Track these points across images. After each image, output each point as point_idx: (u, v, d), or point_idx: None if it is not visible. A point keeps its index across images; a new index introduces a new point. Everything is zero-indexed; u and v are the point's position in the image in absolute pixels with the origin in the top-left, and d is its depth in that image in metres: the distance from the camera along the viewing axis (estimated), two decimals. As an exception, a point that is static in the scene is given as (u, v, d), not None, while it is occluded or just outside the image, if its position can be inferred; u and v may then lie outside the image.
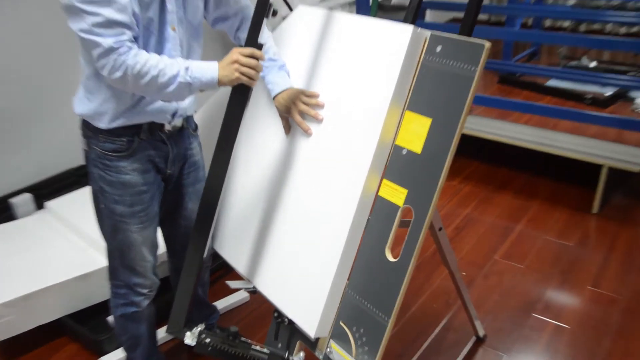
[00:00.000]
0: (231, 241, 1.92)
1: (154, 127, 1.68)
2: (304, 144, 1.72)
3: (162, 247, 1.97)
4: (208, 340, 1.66)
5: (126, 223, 1.70)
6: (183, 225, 1.92)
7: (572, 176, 3.60)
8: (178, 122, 1.74)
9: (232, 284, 1.83)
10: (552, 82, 4.63)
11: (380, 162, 1.52)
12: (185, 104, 1.73)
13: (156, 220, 1.79)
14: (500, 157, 3.89)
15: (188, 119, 1.81)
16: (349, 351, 1.53)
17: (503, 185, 3.57)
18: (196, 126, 1.88)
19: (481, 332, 2.30)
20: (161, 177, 1.77)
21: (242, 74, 1.55)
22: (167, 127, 1.71)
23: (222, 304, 2.49)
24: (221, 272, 2.67)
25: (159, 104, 1.64)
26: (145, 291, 1.83)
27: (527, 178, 3.63)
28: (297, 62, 1.79)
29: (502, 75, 4.81)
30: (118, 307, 1.85)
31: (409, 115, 1.49)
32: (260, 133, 1.89)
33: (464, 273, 2.72)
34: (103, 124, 1.60)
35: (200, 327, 1.68)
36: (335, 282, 1.55)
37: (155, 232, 1.79)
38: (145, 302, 1.85)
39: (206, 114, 2.24)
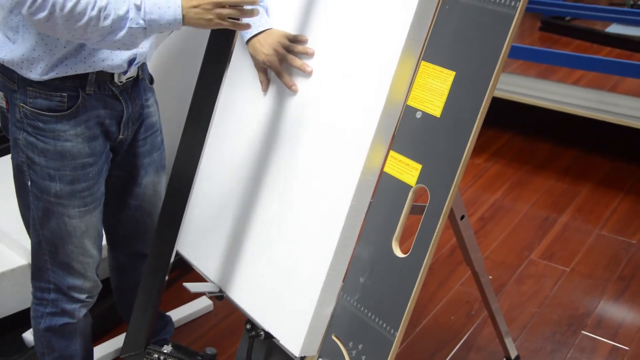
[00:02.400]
0: (195, 236, 1.93)
1: (103, 78, 1.67)
2: (288, 107, 1.73)
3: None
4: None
5: (63, 206, 1.70)
6: (133, 207, 1.93)
7: (637, 153, 3.64)
8: (134, 71, 1.73)
9: (193, 287, 1.84)
10: (614, 28, 4.63)
11: (388, 128, 1.54)
12: (146, 48, 1.72)
13: (102, 203, 1.79)
14: (541, 128, 3.92)
15: (143, 66, 1.80)
16: (344, 373, 1.55)
17: (543, 164, 3.61)
18: (152, 77, 1.88)
19: (513, 353, 2.33)
20: (110, 145, 1.77)
21: (221, 15, 1.50)
22: (120, 77, 1.69)
23: (178, 313, 2.51)
24: (177, 272, 2.69)
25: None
26: (83, 297, 1.83)
27: (575, 155, 3.67)
28: (282, 4, 1.79)
29: (545, 19, 4.82)
30: (43, 318, 1.86)
31: (426, 68, 1.51)
32: (234, 95, 1.90)
33: (491, 276, 2.75)
34: (35, 74, 1.58)
35: (167, 349, 1.68)
36: (326, 286, 1.58)
37: (100, 217, 1.80)
38: (82, 312, 1.86)
39: (157, 59, 2.23)
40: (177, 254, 1.96)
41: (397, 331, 1.47)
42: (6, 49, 1.58)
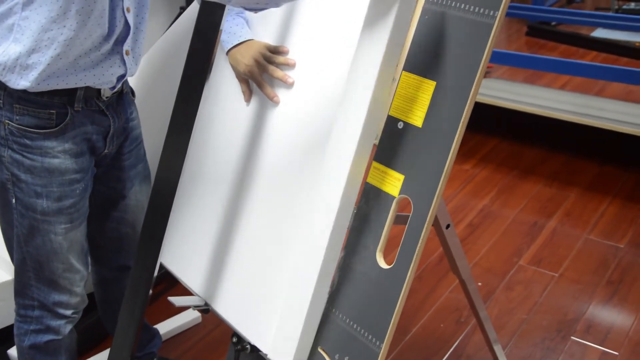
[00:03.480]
0: (179, 249, 1.93)
1: (90, 94, 1.66)
2: (270, 119, 1.73)
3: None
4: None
5: (49, 223, 1.69)
6: (115, 219, 1.92)
7: (624, 157, 3.65)
8: (119, 86, 1.73)
9: (178, 300, 1.84)
10: (600, 32, 4.66)
11: (369, 139, 1.53)
12: (133, 63, 1.72)
13: (86, 218, 1.79)
14: (528, 133, 3.93)
15: (126, 80, 1.80)
16: (330, 386, 1.55)
17: (531, 169, 3.62)
18: (132, 90, 1.88)
19: (503, 360, 2.34)
20: (94, 159, 1.76)
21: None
22: (106, 93, 1.69)
23: (165, 326, 2.50)
24: (164, 285, 2.68)
25: (108, 59, 1.62)
26: (69, 313, 1.82)
27: (563, 159, 3.68)
28: (263, 16, 1.79)
29: (531, 25, 4.85)
30: (27, 335, 1.84)
31: (407, 78, 1.51)
32: (216, 106, 1.89)
33: (479, 283, 2.76)
34: (27, 81, 1.55)
35: None
36: (314, 299, 1.57)
37: (85, 232, 1.79)
38: (67, 328, 1.85)
39: (139, 75, 2.23)
40: (162, 267, 1.95)
41: (383, 343, 1.47)
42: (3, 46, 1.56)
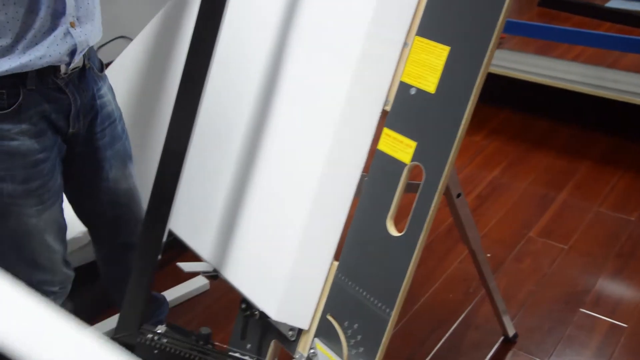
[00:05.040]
0: (188, 214, 1.92)
1: (46, 72, 1.58)
2: (281, 81, 1.71)
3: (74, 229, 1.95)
4: (166, 346, 1.65)
5: (19, 205, 1.65)
6: (106, 202, 1.90)
7: (636, 129, 3.63)
8: (79, 60, 1.65)
9: (187, 266, 1.83)
10: (614, 3, 4.61)
11: (377, 103, 1.53)
12: (87, 33, 1.63)
13: (60, 196, 1.75)
14: (539, 104, 3.91)
15: (90, 54, 1.72)
16: (339, 352, 1.55)
17: (542, 141, 3.60)
18: (102, 64, 1.81)
19: (511, 331, 2.34)
20: (61, 138, 1.71)
21: None
22: (64, 69, 1.61)
23: (173, 293, 2.51)
24: (172, 252, 2.68)
25: (48, 36, 1.54)
26: (55, 289, 1.82)
27: (574, 132, 3.67)
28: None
29: (544, -5, 4.80)
30: None
31: (420, 43, 1.49)
32: (226, 66, 1.88)
33: (489, 255, 2.75)
34: None
35: (161, 328, 1.67)
36: (323, 264, 1.58)
37: (60, 211, 1.76)
38: (58, 302, 1.85)
39: (123, 60, 2.21)
40: (171, 233, 1.96)
41: (393, 310, 1.46)
42: None
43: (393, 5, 1.50)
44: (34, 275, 1.76)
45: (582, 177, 3.27)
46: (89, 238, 2.10)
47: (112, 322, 2.35)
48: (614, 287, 2.60)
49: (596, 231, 2.90)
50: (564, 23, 4.44)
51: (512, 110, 3.86)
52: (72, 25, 1.58)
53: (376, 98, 1.54)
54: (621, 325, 2.41)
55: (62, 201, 1.76)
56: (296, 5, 1.69)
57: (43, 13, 1.51)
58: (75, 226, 2.05)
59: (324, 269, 1.60)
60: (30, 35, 1.51)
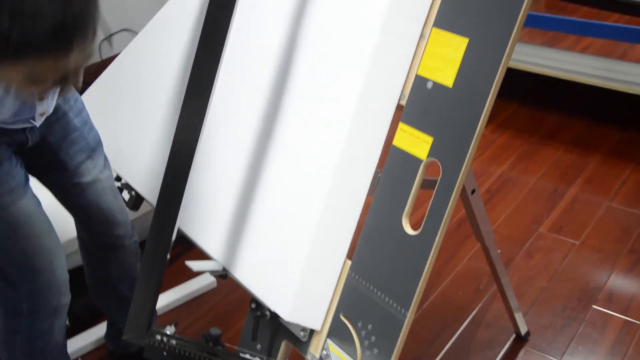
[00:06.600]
0: (196, 211, 1.89)
1: None
2: (292, 79, 1.68)
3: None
4: (176, 347, 1.63)
5: None
6: (77, 200, 1.90)
7: (647, 122, 3.60)
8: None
9: (195, 265, 1.80)
10: (623, -6, 4.59)
11: (392, 97, 1.50)
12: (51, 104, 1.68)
13: (27, 188, 1.74)
14: (549, 97, 3.88)
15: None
16: (352, 354, 1.52)
17: (551, 134, 3.57)
18: None
19: (523, 329, 2.31)
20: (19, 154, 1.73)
21: None
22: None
23: (180, 291, 2.49)
24: (179, 249, 2.66)
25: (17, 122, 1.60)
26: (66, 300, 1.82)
27: (584, 125, 3.63)
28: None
29: (552, -14, 4.76)
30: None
31: (437, 35, 1.46)
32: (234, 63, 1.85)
33: (499, 250, 2.72)
34: None
35: (170, 330, 1.65)
36: (335, 263, 1.56)
37: (33, 203, 1.74)
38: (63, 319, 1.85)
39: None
40: (179, 230, 1.93)
41: (408, 310, 1.44)
42: None
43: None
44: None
45: (593, 171, 3.24)
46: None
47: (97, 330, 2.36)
48: (627, 283, 2.57)
49: (608, 226, 2.87)
50: (573, 14, 4.41)
51: (521, 103, 3.83)
52: (42, 114, 1.66)
53: (391, 92, 1.51)
54: (635, 323, 2.38)
55: (30, 195, 1.74)
56: (308, -4, 1.66)
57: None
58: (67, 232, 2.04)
59: (337, 268, 1.57)
60: None
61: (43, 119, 1.69)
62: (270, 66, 1.74)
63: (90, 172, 1.87)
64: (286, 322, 1.60)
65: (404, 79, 1.50)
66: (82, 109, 1.86)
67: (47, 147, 1.79)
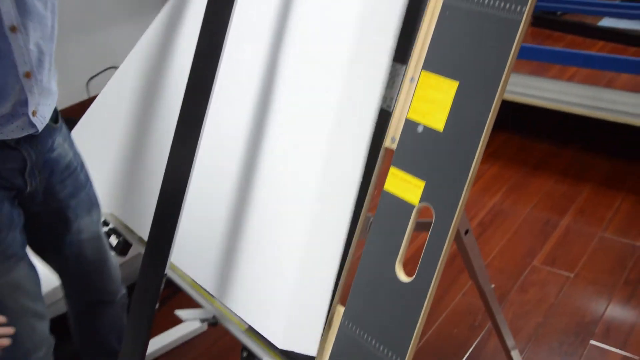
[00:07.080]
0: (184, 245, 1.87)
1: None
2: (274, 113, 1.67)
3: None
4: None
5: None
6: (74, 257, 1.84)
7: (636, 150, 3.59)
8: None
9: (185, 314, 1.79)
10: (607, 22, 4.62)
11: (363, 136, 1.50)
12: (45, 115, 1.61)
13: (23, 254, 1.67)
14: (537, 127, 3.88)
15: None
16: (348, 405, 1.49)
17: (541, 164, 3.56)
18: (57, 115, 1.74)
19: (521, 367, 2.28)
20: (19, 196, 1.65)
21: None
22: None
23: (169, 336, 2.45)
24: (169, 290, 2.62)
25: (10, 122, 1.52)
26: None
27: (574, 154, 3.63)
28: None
29: (536, 15, 4.78)
30: None
31: (427, 78, 1.44)
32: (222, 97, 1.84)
33: (493, 285, 2.69)
34: None
35: None
36: (322, 304, 1.54)
37: (28, 269, 1.68)
38: None
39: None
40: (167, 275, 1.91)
41: (405, 359, 1.40)
42: None
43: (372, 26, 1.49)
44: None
45: (584, 201, 3.23)
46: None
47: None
48: (624, 316, 2.55)
49: (602, 258, 2.85)
50: (558, 43, 4.44)
51: (510, 133, 3.83)
52: (34, 114, 1.57)
53: (362, 128, 1.51)
54: (634, 358, 2.35)
55: (25, 263, 1.68)
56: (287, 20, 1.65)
57: (8, 104, 1.50)
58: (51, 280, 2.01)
59: (326, 293, 1.54)
60: None
61: (42, 123, 1.61)
62: (248, 111, 1.73)
63: (88, 228, 1.84)
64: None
65: (375, 113, 1.51)
66: (84, 163, 1.83)
67: (57, 204, 1.75)
